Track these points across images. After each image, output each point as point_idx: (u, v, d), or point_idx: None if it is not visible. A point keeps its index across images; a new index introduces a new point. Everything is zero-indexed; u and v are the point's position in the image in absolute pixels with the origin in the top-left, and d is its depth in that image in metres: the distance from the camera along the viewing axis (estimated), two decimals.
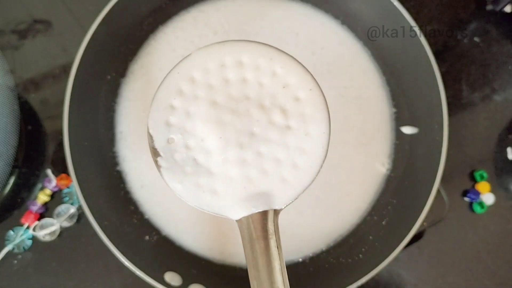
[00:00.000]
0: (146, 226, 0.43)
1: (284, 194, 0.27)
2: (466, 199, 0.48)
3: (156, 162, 0.27)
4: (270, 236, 0.26)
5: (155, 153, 0.27)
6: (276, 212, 0.27)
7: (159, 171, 0.27)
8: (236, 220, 0.27)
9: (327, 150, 0.28)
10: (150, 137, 0.27)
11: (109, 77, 0.45)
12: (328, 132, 0.27)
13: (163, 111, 0.27)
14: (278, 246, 0.26)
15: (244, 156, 0.27)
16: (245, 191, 0.27)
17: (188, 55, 0.27)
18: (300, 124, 0.27)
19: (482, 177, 0.48)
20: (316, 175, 0.28)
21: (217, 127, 0.27)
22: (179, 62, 0.27)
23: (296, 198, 0.28)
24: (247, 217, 0.27)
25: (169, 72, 0.27)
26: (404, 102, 0.46)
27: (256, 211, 0.27)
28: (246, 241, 0.26)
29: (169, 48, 0.46)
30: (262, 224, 0.26)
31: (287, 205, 0.27)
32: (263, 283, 0.25)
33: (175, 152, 0.27)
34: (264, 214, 0.27)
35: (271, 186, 0.27)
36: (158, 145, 0.27)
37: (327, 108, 0.27)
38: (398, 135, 0.46)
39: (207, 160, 0.27)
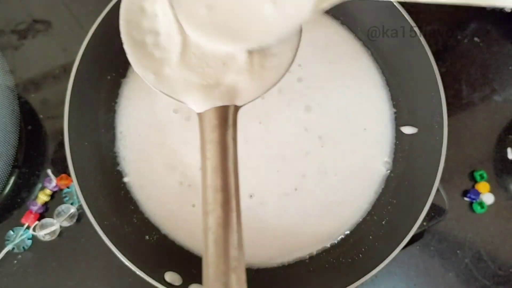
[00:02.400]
0: (146, 225, 0.43)
1: (248, 92, 0.29)
2: (466, 199, 0.48)
3: (127, 52, 0.29)
4: (228, 127, 0.27)
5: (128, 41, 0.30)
6: (237, 108, 0.29)
7: (130, 60, 0.29)
8: (199, 113, 0.28)
9: (295, 56, 0.30)
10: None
11: (109, 77, 0.45)
12: (299, 40, 0.30)
13: None
14: (234, 138, 0.28)
15: (215, 53, 0.29)
16: (212, 86, 0.28)
17: None
18: None
19: (482, 177, 0.48)
20: (281, 78, 0.29)
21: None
22: None
23: (257, 98, 0.29)
24: (209, 110, 0.28)
25: None
26: (404, 102, 0.46)
27: (219, 105, 0.28)
28: (204, 132, 0.28)
29: None
30: (223, 116, 0.28)
31: (247, 103, 0.29)
32: (216, 167, 0.26)
33: (147, 41, 0.29)
34: (225, 108, 0.28)
35: (236, 83, 0.29)
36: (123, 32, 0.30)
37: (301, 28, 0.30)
38: (398, 135, 0.46)
39: (179, 51, 0.29)
